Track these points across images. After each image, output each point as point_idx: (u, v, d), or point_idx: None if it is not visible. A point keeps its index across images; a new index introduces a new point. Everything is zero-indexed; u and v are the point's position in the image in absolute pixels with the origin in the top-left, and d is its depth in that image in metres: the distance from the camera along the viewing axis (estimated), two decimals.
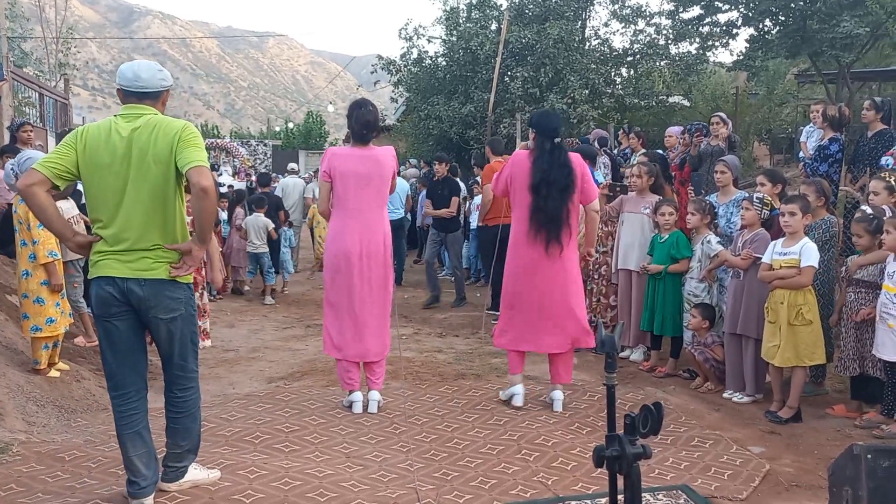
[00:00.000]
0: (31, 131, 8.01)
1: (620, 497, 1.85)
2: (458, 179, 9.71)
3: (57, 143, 8.63)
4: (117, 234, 3.03)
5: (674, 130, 8.68)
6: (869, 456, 2.79)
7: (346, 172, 4.46)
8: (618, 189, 6.06)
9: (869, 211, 4.87)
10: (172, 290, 3.10)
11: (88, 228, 3.44)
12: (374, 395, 4.64)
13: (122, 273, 3.03)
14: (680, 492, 3.50)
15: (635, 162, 7.14)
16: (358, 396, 4.64)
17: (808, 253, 4.52)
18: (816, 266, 4.53)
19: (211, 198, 2.98)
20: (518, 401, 4.78)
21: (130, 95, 3.13)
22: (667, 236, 5.65)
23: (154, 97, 3.15)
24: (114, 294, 3.04)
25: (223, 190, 10.75)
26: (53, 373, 4.91)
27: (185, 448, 3.31)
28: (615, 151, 8.95)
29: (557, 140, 4.68)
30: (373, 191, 4.49)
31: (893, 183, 4.78)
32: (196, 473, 3.39)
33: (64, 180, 3.06)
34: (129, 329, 3.11)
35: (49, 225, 3.12)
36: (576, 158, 4.71)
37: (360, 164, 4.47)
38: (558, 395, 4.81)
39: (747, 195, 5.79)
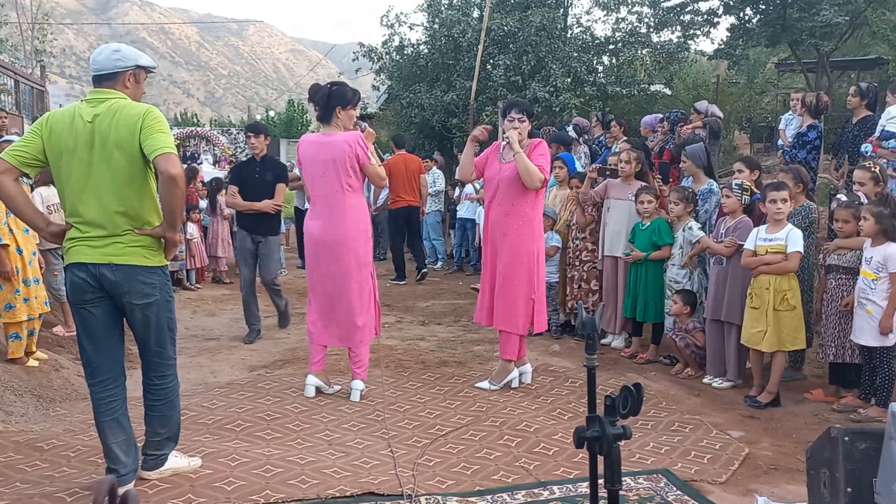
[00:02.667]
0: (5, 118, 7.90)
1: (601, 479, 1.86)
2: (289, 162, 9.44)
3: None
4: (87, 220, 3.00)
5: (647, 121, 8.72)
6: (846, 438, 2.83)
7: (309, 159, 4.53)
8: (607, 173, 6.07)
9: (843, 198, 4.92)
10: (146, 276, 3.06)
11: None
12: (357, 385, 4.63)
13: (93, 259, 2.99)
14: (660, 475, 3.53)
15: (616, 150, 7.15)
16: (311, 380, 4.67)
17: (794, 239, 4.57)
18: (802, 252, 4.58)
19: (180, 185, 2.94)
20: (514, 383, 4.93)
21: (93, 80, 3.12)
22: (648, 223, 5.68)
23: (111, 78, 3.08)
24: (87, 280, 3.01)
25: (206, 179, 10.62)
26: (32, 362, 4.86)
27: (165, 436, 3.28)
28: (590, 139, 8.94)
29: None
30: (334, 176, 4.42)
31: (878, 173, 4.82)
32: (177, 461, 3.37)
33: (32, 167, 3.03)
34: (104, 315, 3.08)
35: (20, 214, 3.07)
36: (534, 143, 4.76)
37: (321, 151, 4.46)
38: (526, 368, 5.05)
39: (713, 186, 5.80)
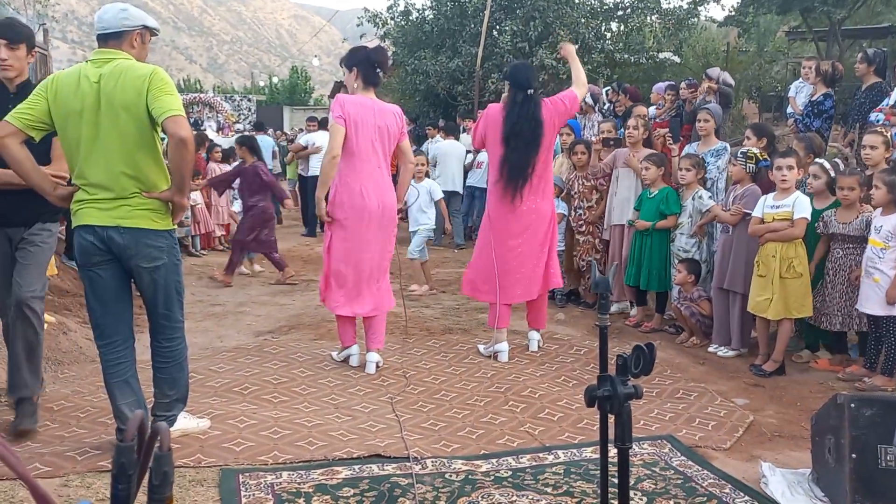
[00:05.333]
0: None
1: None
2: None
3: None
4: (94, 182, 2.98)
5: (659, 88, 8.64)
6: (852, 405, 2.84)
7: (360, 121, 4.27)
8: (611, 143, 6.02)
9: (842, 166, 4.89)
10: (153, 239, 3.06)
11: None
12: (373, 357, 4.53)
13: (101, 221, 2.99)
14: (665, 441, 3.55)
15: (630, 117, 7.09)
16: (355, 350, 4.61)
17: (800, 205, 4.53)
18: (809, 218, 4.55)
19: (190, 147, 2.92)
20: (503, 357, 4.82)
21: (98, 39, 3.06)
22: (656, 192, 5.63)
23: (117, 37, 3.04)
24: (95, 243, 3.01)
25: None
26: None
27: (174, 398, 3.30)
28: (605, 108, 8.85)
29: (530, 92, 4.65)
30: (383, 143, 4.38)
31: (890, 137, 4.76)
32: (186, 422, 3.41)
33: (38, 130, 2.99)
34: (113, 278, 3.08)
35: (26, 178, 3.03)
36: (548, 110, 4.66)
37: (372, 116, 4.31)
38: (535, 335, 5.06)
39: (727, 145, 5.77)
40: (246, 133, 13.47)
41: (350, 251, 4.40)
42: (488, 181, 4.98)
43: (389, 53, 16.88)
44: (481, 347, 4.96)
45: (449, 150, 10.24)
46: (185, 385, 3.36)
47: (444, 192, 10.05)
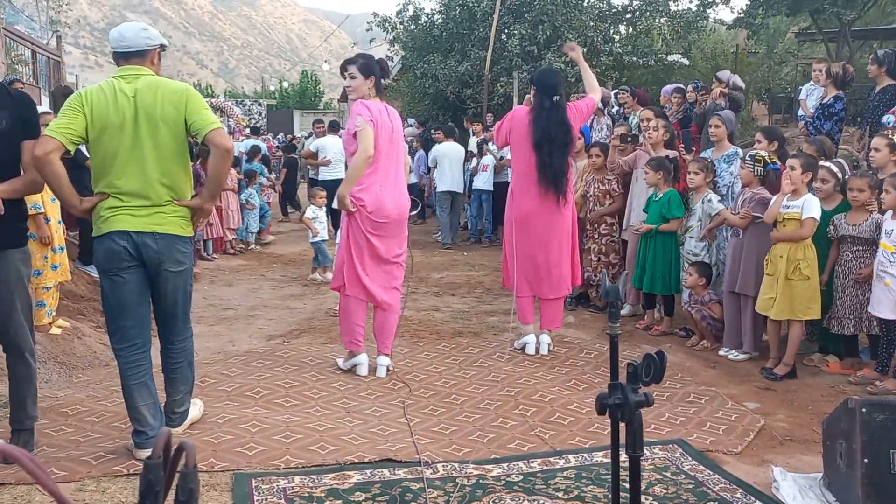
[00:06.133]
0: (21, 88, 7.91)
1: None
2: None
3: (51, 102, 8.52)
4: (129, 190, 3.12)
5: (667, 90, 8.64)
6: (864, 409, 2.84)
7: (381, 125, 4.30)
8: (629, 139, 6.04)
9: (848, 168, 4.91)
10: (182, 244, 3.24)
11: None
12: (383, 361, 4.55)
13: (137, 227, 3.13)
14: (676, 446, 3.56)
15: (636, 120, 7.09)
16: (364, 359, 4.56)
17: (809, 206, 4.53)
18: (817, 219, 4.54)
19: (230, 157, 3.20)
20: (531, 349, 5.03)
21: (119, 57, 3.23)
22: (661, 195, 5.64)
23: (140, 55, 3.22)
24: (127, 248, 3.13)
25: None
26: (55, 329, 4.93)
27: (185, 391, 3.50)
28: (614, 111, 8.86)
29: (557, 98, 4.83)
30: (398, 146, 4.46)
31: (895, 140, 4.76)
32: (192, 411, 3.61)
33: (75, 144, 3.13)
34: (136, 282, 3.21)
35: (60, 191, 3.15)
36: (572, 114, 4.90)
37: (388, 118, 4.38)
38: (546, 339, 5.12)
39: (739, 150, 5.78)
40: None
41: (373, 255, 4.44)
42: (512, 182, 5.14)
43: (398, 57, 17.00)
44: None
45: (448, 152, 10.41)
46: (193, 377, 3.58)
47: (444, 192, 10.27)
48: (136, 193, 3.12)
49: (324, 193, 8.07)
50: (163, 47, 3.36)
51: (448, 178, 10.21)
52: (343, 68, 4.43)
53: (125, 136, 3.09)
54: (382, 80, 4.49)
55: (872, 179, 4.57)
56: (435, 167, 10.56)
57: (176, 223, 3.20)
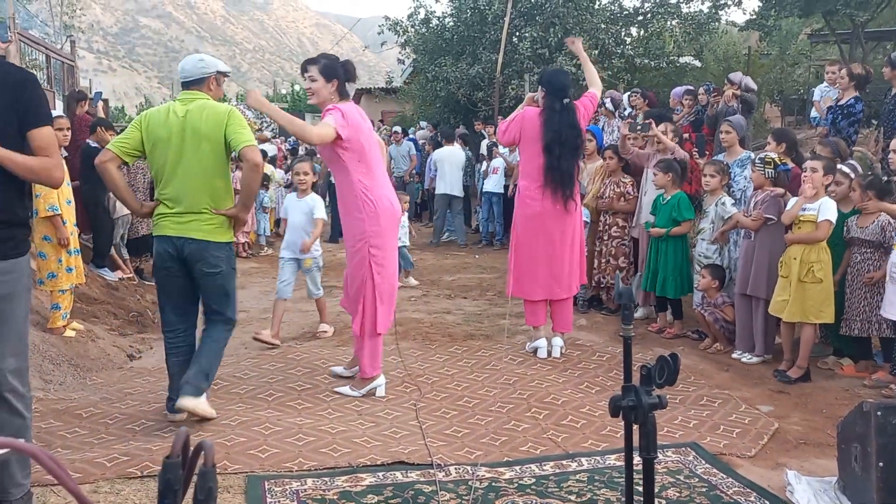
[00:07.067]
0: None
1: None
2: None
3: (64, 106, 8.59)
4: (174, 198, 3.57)
5: (676, 93, 8.61)
6: (879, 413, 2.81)
7: (366, 130, 4.05)
8: (639, 129, 6.03)
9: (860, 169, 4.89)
10: (215, 250, 3.61)
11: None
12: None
13: (177, 233, 3.57)
14: (689, 449, 3.54)
15: (640, 122, 7.07)
16: (382, 381, 4.27)
17: (825, 208, 4.50)
18: (833, 221, 4.51)
19: (260, 171, 3.68)
20: (542, 353, 5.02)
21: (182, 85, 3.70)
22: (669, 197, 5.62)
23: (198, 83, 3.64)
24: (169, 251, 3.60)
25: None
26: (68, 332, 4.97)
27: (206, 371, 3.64)
28: (626, 113, 8.84)
29: (567, 101, 4.84)
30: (378, 146, 4.30)
31: None
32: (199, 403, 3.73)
33: (132, 157, 3.62)
34: (179, 278, 3.65)
35: (120, 196, 3.70)
36: (580, 114, 4.94)
37: (365, 121, 4.15)
38: (559, 342, 5.10)
39: (751, 154, 5.75)
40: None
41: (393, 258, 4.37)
42: (520, 184, 5.11)
43: (409, 60, 17.03)
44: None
45: (447, 156, 10.50)
46: (216, 369, 3.77)
47: (444, 195, 10.33)
48: (178, 201, 3.55)
49: (407, 198, 8.13)
50: (221, 73, 3.72)
51: (446, 182, 10.37)
52: (303, 69, 4.07)
53: (171, 150, 3.53)
54: (348, 84, 4.09)
55: (877, 179, 4.56)
56: (435, 170, 10.78)
57: (211, 230, 3.58)
